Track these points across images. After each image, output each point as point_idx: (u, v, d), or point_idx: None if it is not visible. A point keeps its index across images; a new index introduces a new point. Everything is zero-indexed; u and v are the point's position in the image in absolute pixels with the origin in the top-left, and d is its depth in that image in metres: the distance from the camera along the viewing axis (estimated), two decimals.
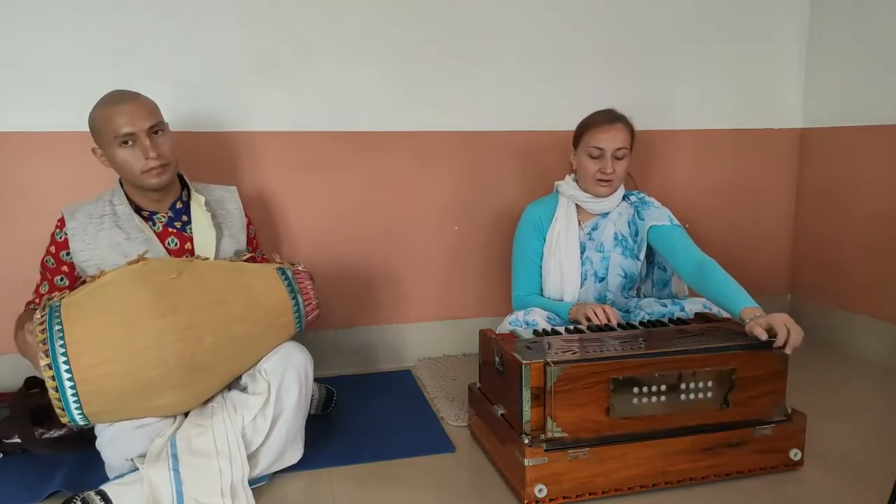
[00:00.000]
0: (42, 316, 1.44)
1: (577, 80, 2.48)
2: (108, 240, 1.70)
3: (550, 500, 1.50)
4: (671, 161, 2.64)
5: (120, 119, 1.62)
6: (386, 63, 2.31)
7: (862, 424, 1.91)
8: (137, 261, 1.56)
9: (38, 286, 1.76)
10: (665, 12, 2.54)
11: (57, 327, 1.41)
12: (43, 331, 1.41)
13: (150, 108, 1.68)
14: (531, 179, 2.48)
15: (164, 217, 1.77)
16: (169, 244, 1.75)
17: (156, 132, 1.67)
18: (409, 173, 2.40)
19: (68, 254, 1.71)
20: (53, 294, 1.53)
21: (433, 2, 2.32)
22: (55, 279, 1.74)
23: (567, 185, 2.11)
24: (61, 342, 1.40)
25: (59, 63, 2.05)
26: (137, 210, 1.75)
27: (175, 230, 1.77)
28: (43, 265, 1.75)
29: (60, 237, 1.72)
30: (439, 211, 2.45)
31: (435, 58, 2.35)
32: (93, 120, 1.67)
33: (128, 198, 1.74)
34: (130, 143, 1.64)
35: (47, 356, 1.39)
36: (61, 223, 1.73)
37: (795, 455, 1.63)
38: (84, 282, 1.55)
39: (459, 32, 2.36)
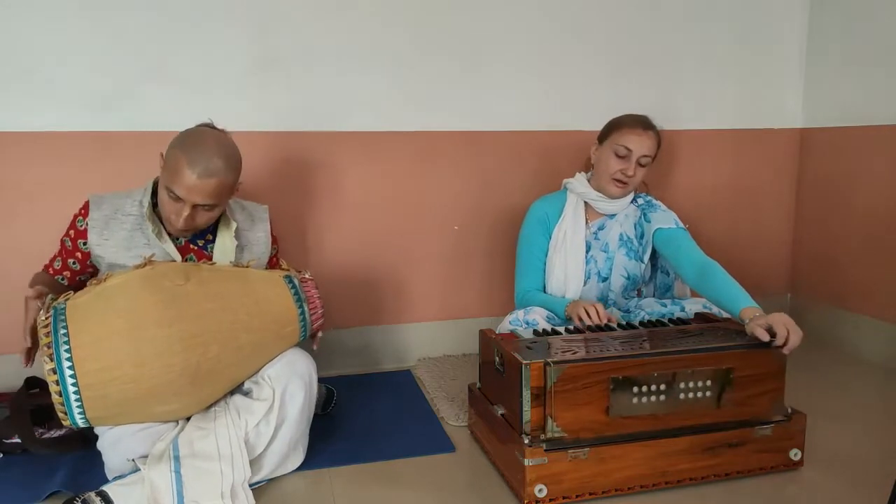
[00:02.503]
0: (47, 318, 1.43)
1: (578, 81, 2.48)
2: (128, 241, 1.68)
3: (550, 500, 1.50)
4: (671, 161, 2.64)
5: (182, 181, 1.55)
6: (387, 63, 2.31)
7: (862, 424, 1.91)
8: (144, 264, 1.55)
9: (53, 258, 1.76)
10: (665, 12, 2.54)
11: (62, 330, 1.40)
12: (48, 333, 1.40)
13: (215, 190, 1.59)
14: (532, 179, 2.47)
15: (188, 233, 1.74)
16: (188, 260, 1.73)
17: (205, 208, 1.63)
18: (410, 173, 2.40)
19: (85, 243, 1.70)
20: (57, 296, 1.52)
21: (434, 2, 2.32)
22: (68, 261, 1.74)
23: (578, 183, 2.11)
24: (66, 346, 1.39)
25: (59, 64, 2.05)
26: (164, 219, 1.71)
27: (197, 247, 1.76)
28: (62, 243, 1.75)
29: (81, 225, 1.70)
30: (440, 211, 2.45)
31: (436, 58, 2.35)
32: (169, 153, 1.61)
33: (158, 204, 1.69)
34: (176, 198, 1.59)
35: (52, 360, 1.38)
36: (85, 211, 1.70)
37: (795, 455, 1.63)
38: (90, 283, 1.54)
39: (460, 33, 2.36)
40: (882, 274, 2.41)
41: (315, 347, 1.76)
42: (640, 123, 2.03)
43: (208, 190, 1.58)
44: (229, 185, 1.64)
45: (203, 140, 1.60)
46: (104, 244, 1.68)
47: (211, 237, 1.77)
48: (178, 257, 1.71)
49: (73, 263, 1.74)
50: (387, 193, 2.39)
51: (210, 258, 1.75)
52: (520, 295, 2.12)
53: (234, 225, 1.76)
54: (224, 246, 1.75)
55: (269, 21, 2.19)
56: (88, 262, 1.73)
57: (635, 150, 1.99)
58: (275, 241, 1.93)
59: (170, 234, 1.71)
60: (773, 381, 1.59)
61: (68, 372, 1.38)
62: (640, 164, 2.01)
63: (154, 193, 1.71)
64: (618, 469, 1.52)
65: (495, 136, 2.45)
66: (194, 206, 1.60)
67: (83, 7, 2.04)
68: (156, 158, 1.96)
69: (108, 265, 1.68)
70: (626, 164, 2.00)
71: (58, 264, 1.76)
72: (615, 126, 2.06)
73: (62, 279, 1.76)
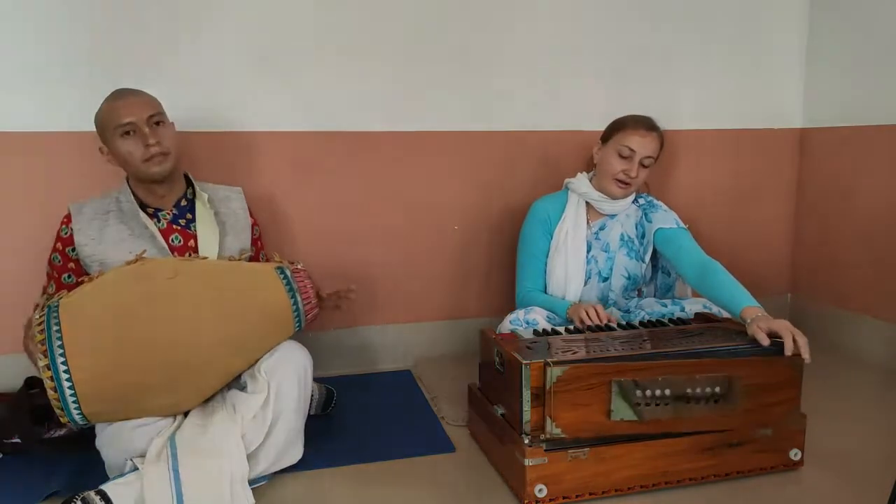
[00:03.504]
0: (40, 317, 1.44)
1: (578, 81, 2.48)
2: (113, 235, 1.71)
3: (550, 500, 1.49)
4: (671, 161, 2.64)
5: (121, 111, 1.68)
6: (387, 63, 2.31)
7: (862, 424, 1.91)
8: (135, 261, 1.57)
9: (45, 287, 1.77)
10: (665, 12, 2.54)
11: (55, 328, 1.42)
12: (41, 331, 1.42)
13: (150, 100, 1.73)
14: (532, 179, 2.47)
15: (168, 214, 1.79)
16: (173, 241, 1.76)
17: (156, 123, 1.72)
18: (409, 173, 2.40)
19: (74, 250, 1.72)
20: (52, 294, 1.53)
21: (434, 3, 2.32)
22: (62, 277, 1.75)
23: (579, 183, 2.11)
24: (59, 342, 1.40)
25: (59, 63, 2.05)
26: (143, 207, 1.76)
27: (179, 227, 1.78)
28: (50, 264, 1.76)
29: (66, 233, 1.73)
30: (439, 211, 2.45)
31: (436, 58, 2.35)
32: (97, 117, 1.72)
33: (134, 195, 1.76)
34: (131, 132, 1.68)
35: (46, 357, 1.39)
36: (67, 219, 1.74)
37: (795, 455, 1.63)
38: (82, 282, 1.55)
39: (459, 33, 2.36)
40: (882, 274, 2.41)
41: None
42: (644, 124, 2.03)
43: (144, 101, 1.71)
44: (156, 100, 1.75)
45: (112, 91, 1.75)
46: (91, 243, 1.71)
47: (191, 216, 1.81)
48: (163, 240, 1.73)
49: (69, 277, 1.75)
50: (386, 193, 2.39)
51: (194, 237, 1.78)
52: (520, 295, 2.12)
53: (205, 196, 1.82)
54: (204, 219, 1.80)
55: (269, 21, 2.19)
56: (83, 270, 1.74)
57: (638, 151, 1.99)
58: (255, 223, 1.95)
59: (151, 218, 1.75)
60: (788, 390, 1.57)
61: (62, 368, 1.39)
62: (642, 165, 2.01)
63: (135, 195, 1.77)
64: (618, 469, 1.52)
65: (495, 136, 2.45)
66: (150, 125, 1.69)
67: (83, 7, 2.04)
68: None
69: (99, 263, 1.70)
70: (628, 165, 2.00)
71: (52, 289, 1.75)
72: (619, 126, 2.06)
73: None
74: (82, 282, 1.55)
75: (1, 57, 2.01)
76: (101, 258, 1.70)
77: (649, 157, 2.01)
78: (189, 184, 1.85)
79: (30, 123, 2.06)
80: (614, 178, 2.02)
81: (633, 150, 2.00)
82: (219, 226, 1.81)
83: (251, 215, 1.93)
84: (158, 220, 1.78)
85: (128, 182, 1.78)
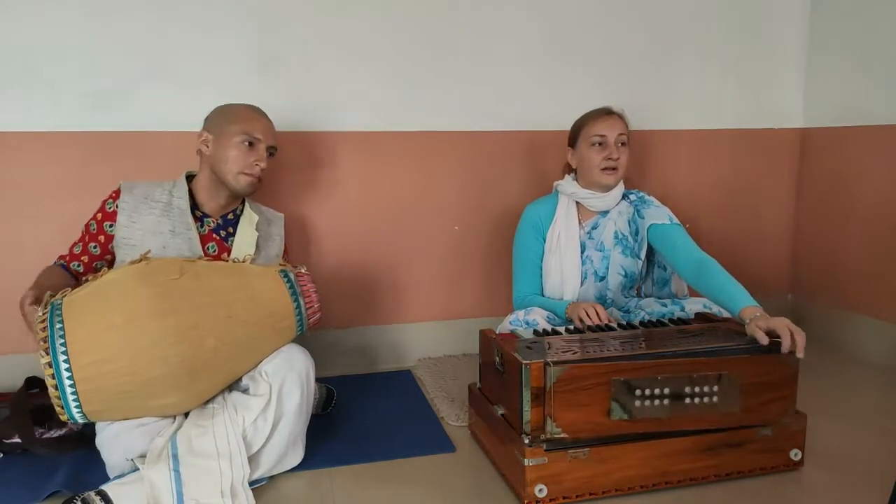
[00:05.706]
0: (43, 314, 1.44)
1: (578, 80, 2.49)
2: (154, 226, 1.74)
3: (550, 500, 1.50)
4: (671, 161, 2.64)
5: (255, 125, 1.78)
6: (387, 63, 2.31)
7: (862, 424, 1.91)
8: (139, 260, 1.57)
9: (73, 244, 1.80)
10: (665, 12, 2.54)
11: (58, 325, 1.42)
12: (44, 328, 1.42)
13: (274, 130, 1.84)
14: (531, 179, 2.48)
15: (213, 222, 1.82)
16: (209, 249, 1.79)
17: (270, 153, 1.83)
18: (410, 173, 2.40)
19: (112, 226, 1.75)
20: (55, 293, 1.53)
21: (433, 2, 2.32)
22: (89, 245, 1.78)
23: (567, 184, 2.12)
24: (62, 340, 1.40)
25: (59, 64, 2.05)
26: (192, 209, 1.79)
27: (218, 238, 1.82)
28: (86, 227, 1.79)
29: (111, 208, 1.76)
30: (439, 211, 2.45)
31: (435, 58, 2.35)
32: (227, 111, 1.79)
33: (190, 193, 1.80)
34: (250, 145, 1.75)
35: (48, 354, 1.40)
36: (116, 194, 1.78)
37: (795, 455, 1.63)
38: (87, 280, 1.55)
39: (460, 32, 2.36)
40: (882, 274, 2.41)
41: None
42: (602, 111, 2.07)
43: (274, 130, 1.83)
44: None
45: (248, 104, 1.85)
46: (132, 226, 1.74)
47: (232, 230, 1.84)
48: (200, 245, 1.76)
49: (94, 248, 1.77)
50: (387, 193, 2.39)
51: (228, 251, 1.81)
52: (518, 300, 2.12)
53: (255, 218, 1.86)
54: (244, 239, 1.83)
55: (268, 21, 2.19)
56: (110, 248, 1.77)
57: (610, 134, 2.02)
58: (286, 251, 1.98)
59: (196, 221, 1.78)
60: (785, 387, 1.58)
61: (64, 366, 1.40)
62: (621, 143, 2.03)
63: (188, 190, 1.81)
64: (618, 469, 1.52)
65: (495, 136, 2.45)
66: (268, 151, 1.79)
67: (83, 7, 2.04)
68: (155, 158, 1.96)
69: (130, 248, 1.72)
70: (607, 150, 2.02)
71: (77, 249, 1.79)
72: (580, 124, 2.09)
73: (78, 265, 1.78)
74: (87, 279, 1.55)
75: (10, 56, 2.02)
76: (134, 244, 1.72)
77: (622, 134, 2.03)
78: (242, 201, 1.89)
79: (35, 124, 2.06)
80: (601, 169, 2.03)
81: (603, 135, 2.02)
82: (256, 247, 1.84)
83: (285, 243, 1.97)
84: (202, 226, 1.81)
85: (187, 180, 1.82)
